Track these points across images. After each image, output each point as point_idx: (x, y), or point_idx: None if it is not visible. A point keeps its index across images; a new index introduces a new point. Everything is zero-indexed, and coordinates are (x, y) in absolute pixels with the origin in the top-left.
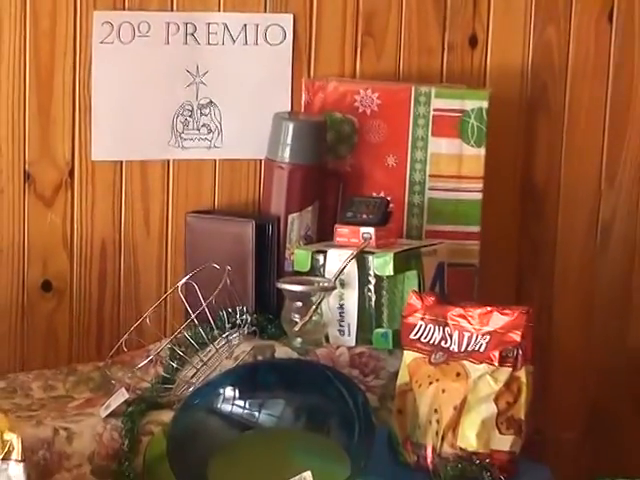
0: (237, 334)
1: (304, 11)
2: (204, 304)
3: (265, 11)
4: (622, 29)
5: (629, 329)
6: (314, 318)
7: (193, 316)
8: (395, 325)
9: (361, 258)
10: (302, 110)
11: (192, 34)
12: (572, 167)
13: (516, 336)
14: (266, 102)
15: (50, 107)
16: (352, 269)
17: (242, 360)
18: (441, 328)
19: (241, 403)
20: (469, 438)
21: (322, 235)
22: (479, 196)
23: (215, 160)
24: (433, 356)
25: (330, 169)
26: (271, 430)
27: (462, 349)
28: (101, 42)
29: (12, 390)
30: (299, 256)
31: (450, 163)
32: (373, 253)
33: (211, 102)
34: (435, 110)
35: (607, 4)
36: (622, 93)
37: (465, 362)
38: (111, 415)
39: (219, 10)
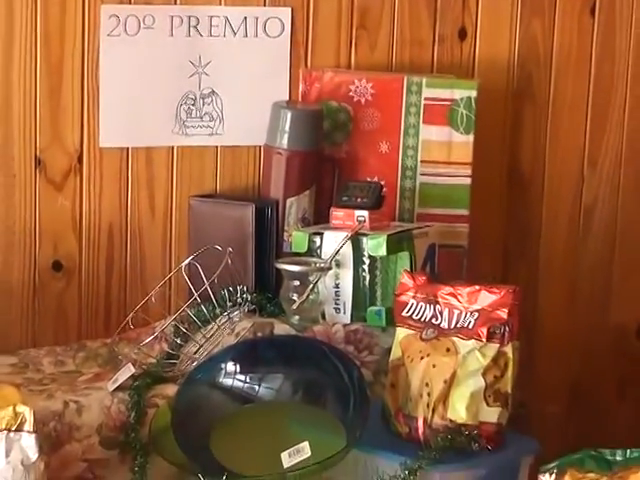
0: (238, 312)
1: (301, 5)
2: (206, 283)
3: (264, 5)
4: (604, 23)
5: (610, 309)
6: (311, 297)
7: (196, 295)
8: (388, 303)
9: (356, 240)
10: (300, 99)
11: (195, 27)
12: (556, 153)
13: (503, 314)
14: (265, 91)
15: (60, 96)
16: (347, 250)
17: (243, 336)
18: (432, 306)
19: (242, 377)
20: (458, 410)
21: (319, 218)
22: (468, 181)
23: (217, 147)
24: (424, 332)
25: (326, 155)
26: (270, 403)
27: (452, 326)
28: (108, 34)
29: (24, 365)
30: (297, 238)
31: (440, 149)
32: (367, 235)
33: (213, 91)
34: (426, 99)
35: None
36: (604, 83)
37: (455, 338)
38: (118, 389)
39: (220, 4)
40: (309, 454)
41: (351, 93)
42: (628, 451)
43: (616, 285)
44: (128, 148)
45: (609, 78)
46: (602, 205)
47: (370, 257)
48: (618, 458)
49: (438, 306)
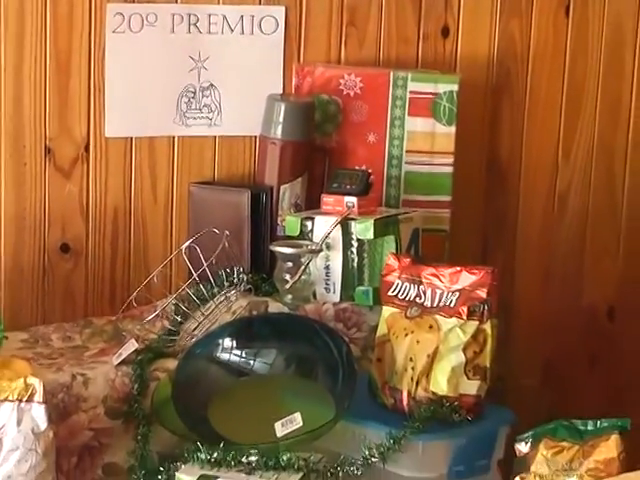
0: (234, 291)
1: (295, 3)
2: (205, 265)
3: (260, 3)
4: (577, 22)
5: (582, 289)
6: (303, 277)
7: (195, 275)
8: (375, 283)
9: (345, 224)
10: (293, 92)
11: (195, 24)
12: (532, 143)
13: (482, 293)
14: (260, 85)
15: (68, 89)
16: (337, 234)
17: (239, 314)
18: (416, 286)
19: (238, 352)
20: (440, 383)
21: (310, 203)
22: (450, 169)
23: (215, 136)
24: (409, 311)
25: (317, 145)
26: (265, 376)
27: (434, 304)
28: (113, 31)
29: (34, 341)
30: (290, 222)
31: (424, 140)
32: (355, 219)
33: (211, 85)
34: (411, 93)
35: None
36: (577, 78)
37: (437, 316)
38: (122, 363)
39: (219, 3)
40: (301, 424)
41: (341, 87)
42: (598, 421)
43: (588, 268)
44: (132, 138)
45: (582, 74)
46: (575, 193)
47: (358, 240)
48: (589, 428)
49: (422, 286)
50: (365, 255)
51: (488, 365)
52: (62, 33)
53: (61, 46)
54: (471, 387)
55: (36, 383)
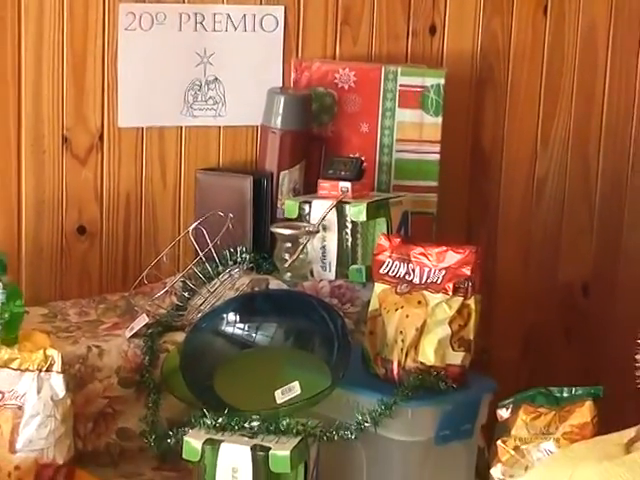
0: (238, 269)
1: (293, 3)
2: (211, 245)
3: (261, 3)
4: (555, 20)
5: (559, 268)
6: (301, 256)
7: (202, 255)
8: (368, 262)
9: (340, 207)
10: (291, 85)
11: (201, 22)
12: (513, 133)
13: (467, 271)
14: (262, 79)
15: (84, 83)
16: (332, 216)
17: (242, 291)
18: (405, 264)
19: (241, 326)
20: (428, 354)
21: (308, 188)
22: (437, 157)
23: (220, 127)
24: (399, 287)
25: (315, 134)
26: (266, 348)
27: (422, 281)
28: (125, 29)
29: (53, 315)
30: (289, 205)
31: (413, 129)
32: (350, 203)
33: (216, 79)
34: (401, 86)
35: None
36: (554, 72)
37: (425, 292)
38: (134, 336)
39: (223, 2)
40: (299, 392)
41: (336, 80)
42: (573, 389)
43: (564, 248)
44: (143, 128)
45: (559, 69)
46: (552, 178)
47: (352, 222)
48: (565, 395)
49: (411, 264)
50: (358, 236)
51: (472, 338)
52: (78, 31)
53: (77, 43)
54: (456, 358)
55: (55, 354)
